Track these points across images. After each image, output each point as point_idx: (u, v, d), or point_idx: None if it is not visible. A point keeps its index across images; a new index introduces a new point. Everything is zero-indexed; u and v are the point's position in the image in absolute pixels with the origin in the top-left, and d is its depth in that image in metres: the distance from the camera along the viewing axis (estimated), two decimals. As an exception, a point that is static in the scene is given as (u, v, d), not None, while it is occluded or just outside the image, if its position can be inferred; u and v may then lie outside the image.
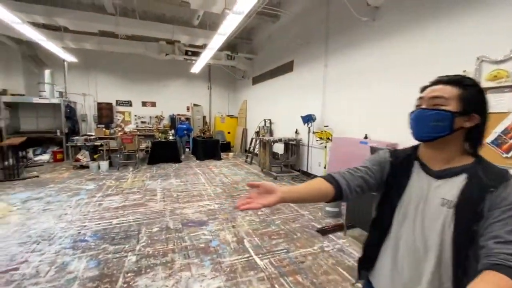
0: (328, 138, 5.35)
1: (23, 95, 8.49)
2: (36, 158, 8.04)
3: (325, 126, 5.60)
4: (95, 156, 7.32)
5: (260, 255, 2.79)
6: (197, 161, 8.60)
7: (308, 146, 6.25)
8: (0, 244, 2.93)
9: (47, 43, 6.62)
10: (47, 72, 8.73)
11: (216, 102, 12.29)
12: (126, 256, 2.72)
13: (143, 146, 8.42)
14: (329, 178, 0.87)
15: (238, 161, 8.74)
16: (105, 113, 10.19)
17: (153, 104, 11.22)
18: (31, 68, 8.96)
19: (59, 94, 8.90)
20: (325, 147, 5.42)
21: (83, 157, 7.27)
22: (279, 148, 7.33)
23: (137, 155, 7.52)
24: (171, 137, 8.63)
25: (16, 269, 2.47)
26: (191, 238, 3.17)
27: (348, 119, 5.12)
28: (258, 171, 7.09)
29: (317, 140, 5.70)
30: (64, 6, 6.31)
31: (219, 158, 8.93)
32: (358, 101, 4.83)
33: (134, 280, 2.34)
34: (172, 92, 11.42)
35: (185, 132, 9.00)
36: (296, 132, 6.88)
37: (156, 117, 11.22)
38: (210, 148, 8.91)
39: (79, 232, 3.25)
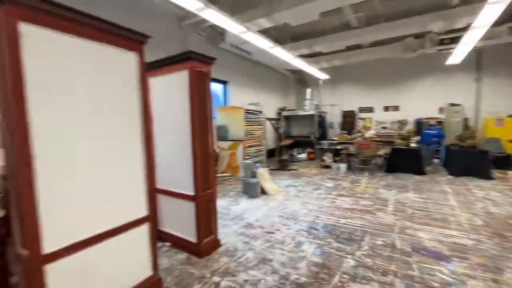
0: None
1: (294, 109, 11.67)
2: (298, 156, 10.72)
3: None
4: (336, 158, 8.29)
5: None
6: (449, 177, 6.74)
7: None
8: (269, 213, 4.26)
9: (308, 68, 8.58)
10: (308, 91, 11.32)
11: (490, 98, 8.85)
12: (345, 257, 2.80)
13: (381, 152, 8.17)
14: None
15: (527, 186, 5.66)
16: (348, 120, 11.21)
17: (396, 108, 10.49)
18: (299, 89, 12.11)
19: (315, 107, 11.17)
20: None
21: (327, 158, 8.53)
22: None
23: (373, 161, 7.45)
24: (413, 144, 7.54)
25: (273, 233, 3.46)
26: (421, 269, 2.56)
27: None
28: None
29: None
30: (321, 35, 7.78)
31: (488, 177, 6.34)
32: None
33: (348, 284, 2.34)
34: (419, 92, 9.93)
35: (435, 139, 7.44)
36: None
37: (398, 121, 10.37)
38: (472, 161, 6.61)
39: (314, 221, 3.86)
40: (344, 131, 10.65)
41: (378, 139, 10.40)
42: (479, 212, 4.10)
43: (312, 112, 10.51)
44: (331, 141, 8.59)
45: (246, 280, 2.42)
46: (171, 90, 2.96)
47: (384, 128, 10.66)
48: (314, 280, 2.40)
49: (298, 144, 11.20)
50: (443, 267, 2.59)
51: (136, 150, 2.16)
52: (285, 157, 10.14)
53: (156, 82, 3.10)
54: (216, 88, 8.59)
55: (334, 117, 11.72)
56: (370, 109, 11.01)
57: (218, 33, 7.04)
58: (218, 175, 7.38)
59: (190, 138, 2.80)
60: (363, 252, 2.90)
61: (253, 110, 7.78)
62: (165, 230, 3.26)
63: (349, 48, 8.66)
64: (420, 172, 7.09)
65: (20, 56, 1.46)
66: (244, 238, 3.32)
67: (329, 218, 3.96)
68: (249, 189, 5.25)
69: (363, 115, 11.19)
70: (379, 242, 3.13)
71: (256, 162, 7.23)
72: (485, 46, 7.40)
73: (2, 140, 1.60)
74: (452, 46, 7.03)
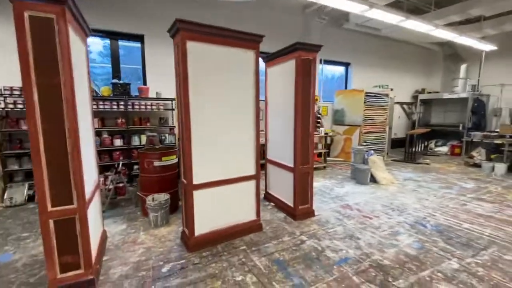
0: None
1: (438, 92, 9.53)
2: (436, 149, 8.89)
3: None
4: (492, 156, 6.33)
5: None
6: None
7: None
8: (373, 200, 4.14)
9: (463, 38, 6.76)
10: (462, 67, 8.88)
11: None
12: (449, 259, 2.49)
13: None
14: None
15: None
16: (527, 105, 8.00)
17: None
18: (449, 66, 9.68)
19: (471, 88, 8.67)
20: None
21: (478, 154, 6.66)
22: None
23: (558, 164, 5.20)
24: None
25: (370, 218, 3.45)
26: None
27: None
28: None
29: None
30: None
31: None
32: None
33: (439, 282, 2.16)
34: None
35: None
36: None
37: None
38: None
39: (425, 218, 3.46)
40: (519, 121, 7.75)
41: None
42: None
43: (464, 95, 8.28)
44: (488, 133, 6.56)
45: (328, 246, 2.73)
46: (282, 78, 3.50)
47: None
48: (398, 266, 2.38)
49: (438, 134, 9.24)
50: None
51: (250, 129, 2.90)
52: (418, 148, 8.70)
53: (273, 71, 3.74)
54: (337, 70, 8.48)
55: (503, 102, 8.67)
56: None
57: (341, 14, 6.87)
58: (331, 158, 7.54)
59: (293, 119, 3.28)
60: (478, 261, 2.45)
61: (375, 93, 7.19)
62: (271, 193, 4.01)
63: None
64: None
65: (186, 64, 2.40)
66: (338, 216, 3.53)
67: (448, 220, 3.40)
68: (358, 175, 5.18)
69: (560, 98, 7.64)
70: (509, 258, 2.50)
71: (370, 149, 6.84)
72: None
73: (178, 122, 2.71)
74: None
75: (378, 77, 8.75)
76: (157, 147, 4.02)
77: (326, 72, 8.09)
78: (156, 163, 3.44)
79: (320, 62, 7.33)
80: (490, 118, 8.93)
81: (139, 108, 4.88)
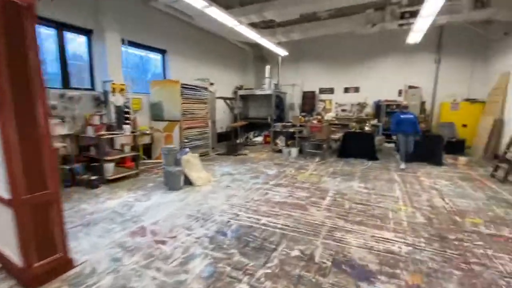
0: None
1: (252, 88, 10.65)
2: (254, 139, 9.91)
3: None
4: (289, 142, 7.58)
5: None
6: (403, 164, 6.35)
7: None
8: (179, 211, 3.38)
9: (263, 40, 7.53)
10: (267, 68, 10.32)
11: (447, 81, 8.56)
12: (239, 281, 2.02)
13: (336, 136, 7.61)
14: None
15: (474, 173, 5.39)
16: (308, 101, 10.52)
17: (356, 90, 9.95)
18: (258, 66, 11.09)
19: (274, 86, 10.27)
20: None
21: (280, 142, 7.80)
22: None
23: (324, 145, 6.83)
24: (367, 128, 7.04)
25: (164, 242, 2.59)
26: (334, 297, 1.87)
27: None
28: (522, 200, 3.76)
29: None
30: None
31: (440, 164, 6.03)
32: None
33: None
34: (380, 74, 9.43)
35: (415, 131, 5.67)
36: None
37: (358, 104, 9.88)
38: (425, 147, 6.20)
39: (228, 222, 3.05)
40: (304, 113, 9.96)
41: (338, 122, 9.93)
42: (423, 205, 3.59)
43: (269, 92, 9.62)
44: (285, 124, 7.82)
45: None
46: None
47: (344, 110, 10.15)
48: (171, 329, 1.58)
49: (255, 126, 10.37)
50: (364, 291, 1.92)
51: None
52: (240, 140, 9.29)
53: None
54: (154, 57, 7.28)
55: (295, 98, 10.95)
56: (330, 90, 10.39)
57: (144, -13, 5.69)
58: (152, 161, 6.34)
59: (-10, 110, 1.74)
60: (268, 270, 2.15)
61: (193, 86, 6.67)
62: (-11, 246, 2.23)
63: (306, 19, 7.75)
64: (373, 157, 6.64)
65: None
66: (118, 253, 2.41)
67: (249, 217, 3.18)
68: (170, 180, 4.31)
69: (323, 96, 10.56)
70: (295, 253, 2.40)
71: (191, 146, 6.28)
72: (446, 23, 6.90)
73: None
74: (412, 20, 6.39)
75: (199, 70, 8.40)
76: None
77: (146, 60, 6.68)
78: None
79: (123, 42, 5.82)
80: (288, 111, 11.09)
81: None
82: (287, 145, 7.56)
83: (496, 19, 6.31)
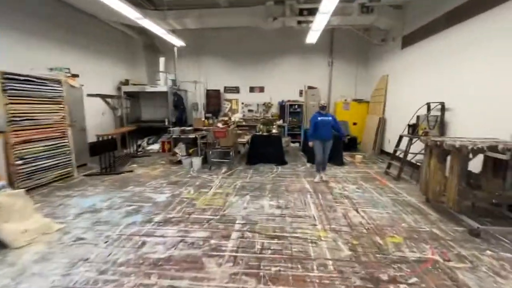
0: None
1: (145, 84, 8.66)
2: (149, 147, 8.04)
3: None
4: (190, 151, 6.27)
5: None
6: (308, 165, 6.12)
7: None
8: None
9: (146, 22, 5.86)
10: (161, 60, 8.61)
11: (339, 82, 9.19)
12: None
13: (244, 139, 6.81)
14: None
15: (371, 170, 5.60)
16: (213, 101, 9.40)
17: (262, 89, 9.55)
18: (150, 57, 9.16)
19: (172, 83, 8.65)
20: None
21: (179, 150, 6.37)
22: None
23: (232, 153, 5.89)
24: (274, 131, 6.54)
25: None
26: None
27: None
28: (419, 201, 3.81)
29: None
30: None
31: (342, 163, 6.08)
32: None
33: None
34: (282, 73, 9.31)
35: (334, 132, 4.85)
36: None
37: (264, 104, 9.51)
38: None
39: None
40: (209, 115, 8.81)
41: (245, 123, 9.27)
42: (341, 225, 3.05)
43: (164, 89, 7.96)
44: (184, 128, 6.43)
45: None
46: None
47: (251, 111, 9.60)
48: None
49: (152, 131, 8.48)
50: None
51: None
52: (130, 150, 7.24)
53: None
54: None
55: (198, 97, 9.64)
56: (236, 89, 9.63)
57: None
58: None
59: None
60: None
61: (30, 77, 4.36)
62: None
63: (204, 5, 6.60)
64: (282, 161, 6.17)
65: None
66: None
67: (97, 313, 1.76)
68: None
69: (229, 95, 9.70)
70: None
71: (19, 172, 4.12)
72: (338, 25, 7.15)
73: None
74: (310, 18, 6.23)
75: (62, 58, 5.92)
76: None
77: None
78: None
79: None
80: (190, 112, 9.69)
81: None
82: (189, 154, 6.23)
83: (376, 25, 6.90)
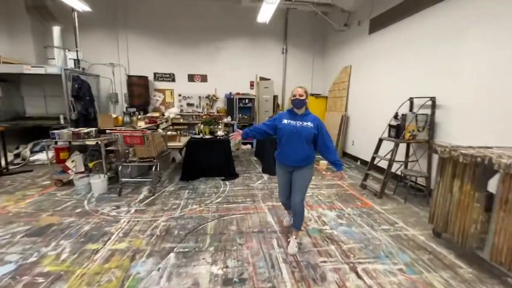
0: None
1: (24, 64, 5.87)
2: (34, 157, 5.46)
3: None
4: (91, 165, 4.12)
5: None
6: (265, 177, 4.67)
7: None
8: None
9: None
10: (55, 30, 5.98)
11: (294, 74, 7.99)
12: None
13: (181, 143, 4.92)
14: None
15: (344, 183, 4.45)
16: (137, 91, 7.13)
17: (204, 78, 7.69)
18: (39, 26, 6.38)
19: (75, 64, 6.13)
20: None
21: (73, 164, 4.16)
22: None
23: (156, 167, 3.96)
24: (220, 132, 4.87)
25: None
26: None
27: None
28: (427, 237, 2.68)
29: None
30: None
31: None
32: None
33: None
34: (230, 59, 7.63)
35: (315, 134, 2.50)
36: None
37: (207, 97, 7.71)
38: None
39: None
40: (132, 109, 6.58)
41: (183, 121, 7.37)
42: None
43: (55, 71, 5.44)
44: (77, 131, 4.15)
45: None
46: None
47: (190, 105, 7.69)
48: None
49: (41, 132, 5.82)
50: None
51: None
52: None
53: None
54: None
55: (118, 84, 7.24)
56: (170, 77, 7.55)
57: None
58: None
59: None
60: None
61: None
62: None
63: None
64: (231, 174, 4.58)
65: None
66: None
67: None
68: None
69: (161, 84, 7.57)
70: None
71: None
72: (294, 6, 5.81)
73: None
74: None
75: None
76: None
77: None
78: None
79: None
80: (108, 106, 7.26)
81: None
82: (90, 170, 4.09)
83: (339, 5, 5.79)
